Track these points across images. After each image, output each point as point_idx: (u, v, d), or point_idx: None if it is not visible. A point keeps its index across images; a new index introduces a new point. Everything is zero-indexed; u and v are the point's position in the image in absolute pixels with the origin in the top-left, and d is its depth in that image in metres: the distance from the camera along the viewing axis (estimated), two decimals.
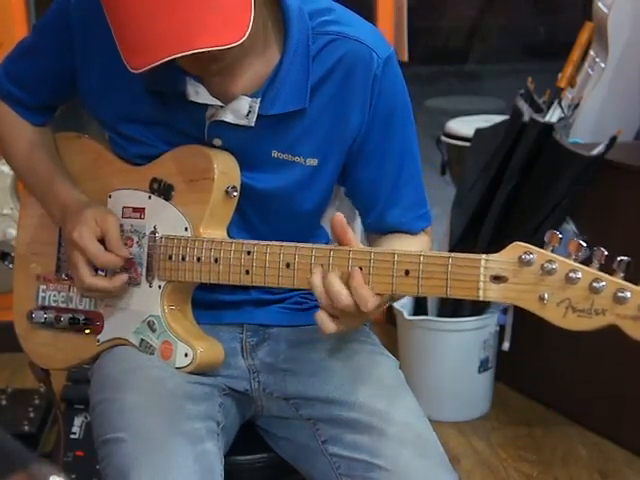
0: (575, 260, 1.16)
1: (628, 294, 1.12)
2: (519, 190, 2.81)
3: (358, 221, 1.66)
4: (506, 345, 2.89)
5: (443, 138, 3.22)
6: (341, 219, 1.32)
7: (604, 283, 1.14)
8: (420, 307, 2.93)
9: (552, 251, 1.18)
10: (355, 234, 1.64)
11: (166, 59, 1.26)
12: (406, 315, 2.84)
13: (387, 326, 3.28)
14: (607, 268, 1.15)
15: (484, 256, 1.22)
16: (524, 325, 2.82)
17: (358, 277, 1.29)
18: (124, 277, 1.50)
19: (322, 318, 1.32)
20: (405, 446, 1.40)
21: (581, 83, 2.92)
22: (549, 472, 2.60)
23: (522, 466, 2.63)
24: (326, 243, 1.57)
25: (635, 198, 2.61)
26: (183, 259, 1.46)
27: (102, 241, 1.49)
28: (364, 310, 1.29)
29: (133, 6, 1.27)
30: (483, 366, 2.86)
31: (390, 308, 3.17)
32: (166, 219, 1.50)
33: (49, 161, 1.63)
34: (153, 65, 1.27)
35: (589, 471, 2.60)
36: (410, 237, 1.54)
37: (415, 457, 1.39)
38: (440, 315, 2.89)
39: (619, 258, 1.14)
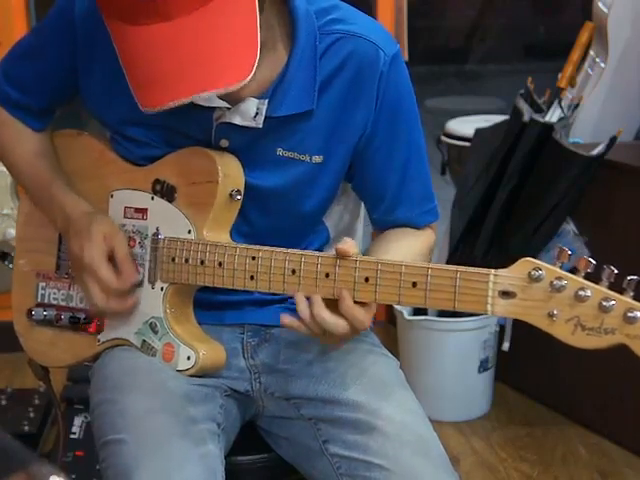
0: (584, 277, 1.16)
1: (638, 314, 1.12)
2: (519, 190, 2.81)
3: (360, 221, 1.66)
4: (506, 345, 2.89)
5: (443, 138, 3.22)
6: (341, 250, 1.31)
7: (614, 302, 1.13)
8: (420, 307, 2.93)
9: (561, 267, 1.17)
10: (357, 234, 1.65)
11: (175, 103, 1.28)
12: (406, 315, 2.84)
13: (387, 326, 3.28)
14: (617, 286, 1.14)
15: (493, 271, 1.21)
16: (524, 325, 2.81)
17: (347, 300, 1.30)
18: (136, 298, 1.50)
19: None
20: (406, 446, 1.40)
21: (581, 83, 2.92)
22: (549, 472, 2.60)
23: (522, 466, 2.63)
24: (325, 240, 1.57)
25: (635, 198, 2.61)
26: (186, 261, 1.46)
27: (110, 257, 1.49)
28: (362, 328, 1.31)
29: (142, 48, 1.28)
30: (483, 366, 2.86)
31: (390, 308, 3.18)
32: (169, 221, 1.50)
33: (49, 168, 1.62)
34: (164, 107, 1.29)
35: (589, 471, 2.60)
36: (415, 232, 1.54)
37: (416, 457, 1.39)
38: (440, 315, 2.89)
39: (629, 277, 1.13)
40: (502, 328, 2.90)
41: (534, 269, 1.18)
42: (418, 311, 2.91)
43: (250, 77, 1.28)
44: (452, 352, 2.84)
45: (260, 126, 1.43)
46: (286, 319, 1.34)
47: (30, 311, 1.63)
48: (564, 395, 2.86)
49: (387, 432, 1.41)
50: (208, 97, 1.41)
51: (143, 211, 1.52)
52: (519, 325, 2.97)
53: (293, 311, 1.58)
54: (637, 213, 2.61)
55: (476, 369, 2.85)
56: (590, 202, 2.71)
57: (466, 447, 2.73)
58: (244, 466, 1.56)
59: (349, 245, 1.31)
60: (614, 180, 2.67)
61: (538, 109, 2.79)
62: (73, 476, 2.31)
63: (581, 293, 1.15)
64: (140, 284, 1.51)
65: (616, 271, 1.14)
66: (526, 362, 2.95)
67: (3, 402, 2.73)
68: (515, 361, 2.95)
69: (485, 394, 2.92)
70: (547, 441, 2.75)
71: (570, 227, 2.74)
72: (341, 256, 1.31)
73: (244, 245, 1.42)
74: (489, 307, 1.21)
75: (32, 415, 2.65)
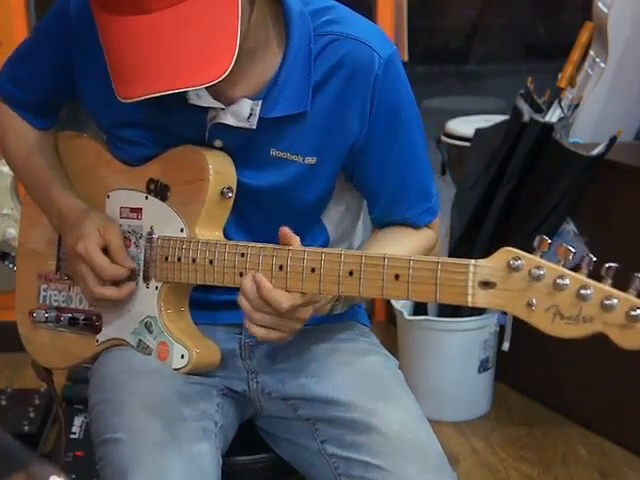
0: (564, 266, 1.15)
1: (615, 301, 1.11)
2: (519, 190, 2.81)
3: (360, 224, 1.66)
4: (506, 345, 2.89)
5: (443, 138, 3.22)
6: (285, 233, 1.35)
7: (591, 290, 1.12)
8: (420, 307, 2.93)
9: (541, 257, 1.17)
10: (357, 236, 1.65)
11: (149, 96, 1.29)
12: (406, 315, 2.84)
13: (387, 326, 3.28)
14: (597, 274, 1.13)
15: (472, 261, 1.21)
16: (524, 325, 2.81)
17: (264, 283, 1.34)
18: (132, 286, 1.51)
19: (251, 326, 1.37)
20: (404, 447, 1.40)
21: (581, 83, 2.92)
22: (549, 472, 2.60)
23: (522, 466, 2.63)
24: (324, 240, 1.57)
25: (635, 198, 2.61)
26: (179, 260, 1.46)
27: (105, 250, 1.50)
28: (280, 310, 1.33)
29: (122, 39, 1.29)
30: (483, 366, 2.86)
31: (390, 308, 3.17)
32: (162, 220, 1.50)
33: (48, 166, 1.63)
34: (139, 99, 1.29)
35: (589, 471, 2.60)
36: (412, 231, 1.54)
37: (414, 458, 1.39)
38: (440, 315, 2.89)
39: (607, 265, 1.12)
40: (502, 328, 2.90)
41: (513, 258, 1.17)
42: (418, 311, 2.91)
43: (224, 76, 1.28)
44: (452, 352, 2.84)
45: (254, 127, 1.43)
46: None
47: (32, 313, 1.64)
48: (564, 395, 2.86)
49: (385, 433, 1.41)
50: (199, 96, 1.42)
51: (138, 211, 1.53)
52: (519, 325, 2.98)
53: None
54: (637, 213, 2.61)
55: (476, 369, 2.85)
56: (590, 202, 2.71)
57: (466, 447, 2.73)
58: (244, 466, 1.57)
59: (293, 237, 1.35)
60: (614, 180, 2.66)
61: (538, 109, 2.79)
62: (73, 476, 2.32)
63: (559, 281, 1.14)
64: (135, 284, 1.52)
65: (594, 259, 1.14)
66: (526, 362, 2.95)
67: (3, 402, 2.73)
68: (515, 361, 2.95)
69: (485, 394, 2.92)
70: (547, 441, 2.75)
71: (570, 227, 2.74)
72: (286, 241, 1.35)
73: (234, 242, 1.43)
74: (469, 298, 1.21)
75: (32, 415, 2.66)
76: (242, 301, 1.37)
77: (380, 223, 1.57)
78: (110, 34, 1.31)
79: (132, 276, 1.51)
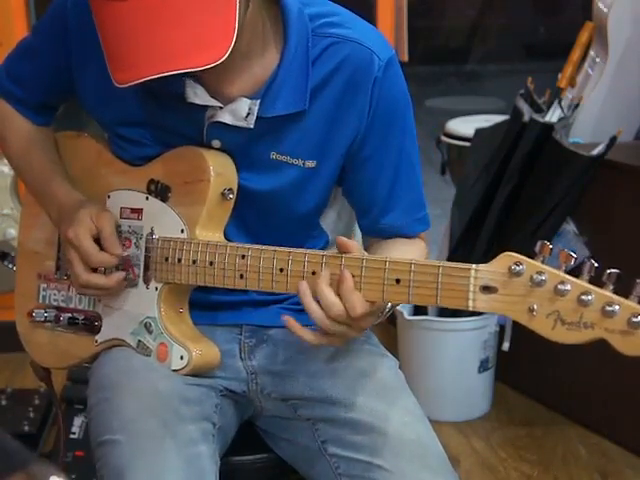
0: (565, 271, 1.15)
1: (616, 308, 1.11)
2: (519, 190, 2.81)
3: (357, 226, 1.66)
4: (506, 345, 2.89)
5: (443, 138, 3.22)
6: (342, 242, 1.31)
7: (592, 296, 1.12)
8: (420, 307, 2.93)
9: (543, 262, 1.16)
10: (356, 238, 1.65)
11: (145, 79, 1.28)
12: (406, 315, 2.84)
13: (387, 326, 3.28)
14: (598, 280, 1.13)
15: (474, 266, 1.21)
16: (524, 326, 2.81)
17: (348, 281, 1.28)
18: (121, 275, 1.50)
19: (306, 333, 1.32)
20: (405, 446, 1.40)
21: (581, 83, 2.92)
22: (549, 472, 2.60)
23: (522, 466, 2.63)
24: (324, 244, 1.57)
25: (635, 198, 2.61)
26: (179, 261, 1.46)
27: (98, 240, 1.49)
28: (352, 315, 1.28)
29: (117, 24, 1.28)
30: (483, 366, 2.86)
31: None
32: (163, 220, 1.50)
33: (48, 160, 1.63)
34: (134, 83, 1.28)
35: (589, 471, 2.60)
36: (406, 242, 1.54)
37: (414, 458, 1.39)
38: (440, 315, 2.89)
39: (609, 270, 1.12)
40: (502, 328, 2.90)
41: (515, 263, 1.17)
42: (418, 311, 2.91)
43: (222, 60, 1.27)
44: (452, 352, 2.84)
45: (251, 126, 1.43)
46: (290, 321, 1.32)
47: (31, 312, 1.64)
48: (564, 395, 2.86)
49: (386, 432, 1.41)
50: (197, 94, 1.41)
51: (138, 211, 1.53)
52: (519, 325, 2.97)
53: (292, 311, 1.58)
54: (637, 213, 2.61)
55: (476, 369, 2.85)
56: (590, 202, 2.71)
57: (466, 447, 2.73)
58: (243, 466, 1.57)
59: (352, 244, 1.31)
60: (614, 180, 2.67)
61: (538, 109, 2.79)
62: (73, 476, 2.32)
63: (560, 287, 1.14)
64: (135, 284, 1.52)
65: (596, 265, 1.14)
66: (526, 362, 2.95)
67: (3, 402, 2.73)
68: (515, 361, 2.95)
69: (485, 394, 2.92)
70: (547, 441, 2.75)
71: (570, 227, 2.73)
72: (343, 250, 1.31)
73: (234, 244, 1.43)
74: (470, 302, 1.21)
75: (32, 415, 2.66)
76: (312, 306, 1.30)
77: (370, 231, 1.56)
78: (104, 19, 1.30)
79: (124, 265, 1.50)
